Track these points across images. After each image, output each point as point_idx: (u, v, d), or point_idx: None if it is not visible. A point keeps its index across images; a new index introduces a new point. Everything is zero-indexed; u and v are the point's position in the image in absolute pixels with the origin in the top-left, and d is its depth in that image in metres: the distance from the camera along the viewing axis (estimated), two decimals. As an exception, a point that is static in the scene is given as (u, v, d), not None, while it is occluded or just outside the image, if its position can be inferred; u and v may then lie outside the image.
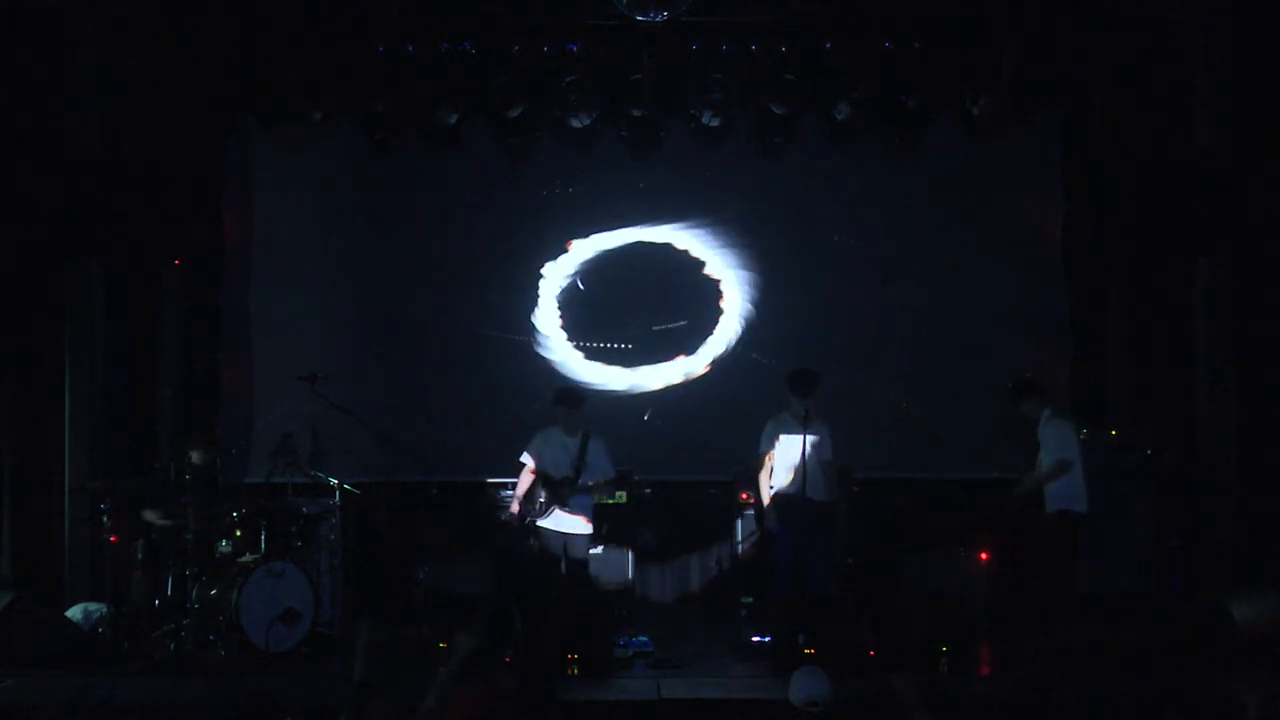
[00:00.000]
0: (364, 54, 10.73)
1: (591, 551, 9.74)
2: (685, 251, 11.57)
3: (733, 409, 11.13)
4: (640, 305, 11.55)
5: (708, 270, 11.57)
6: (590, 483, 9.44)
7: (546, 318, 11.54)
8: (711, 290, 11.57)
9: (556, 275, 11.54)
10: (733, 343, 11.57)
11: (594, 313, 11.56)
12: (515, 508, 9.52)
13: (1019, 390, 9.49)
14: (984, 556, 9.95)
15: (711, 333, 11.56)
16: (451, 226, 11.52)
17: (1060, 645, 8.83)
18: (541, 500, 9.37)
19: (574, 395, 9.83)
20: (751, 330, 11.54)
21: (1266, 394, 10.17)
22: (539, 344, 11.50)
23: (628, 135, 11.28)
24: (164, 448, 10.48)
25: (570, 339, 11.54)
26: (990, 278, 11.44)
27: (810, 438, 9.32)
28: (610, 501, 10.30)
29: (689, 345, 11.55)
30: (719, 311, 11.56)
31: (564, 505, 9.36)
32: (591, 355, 11.53)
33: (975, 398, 11.25)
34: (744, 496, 10.46)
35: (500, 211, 11.49)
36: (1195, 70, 10.46)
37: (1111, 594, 9.84)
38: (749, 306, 11.54)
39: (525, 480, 9.52)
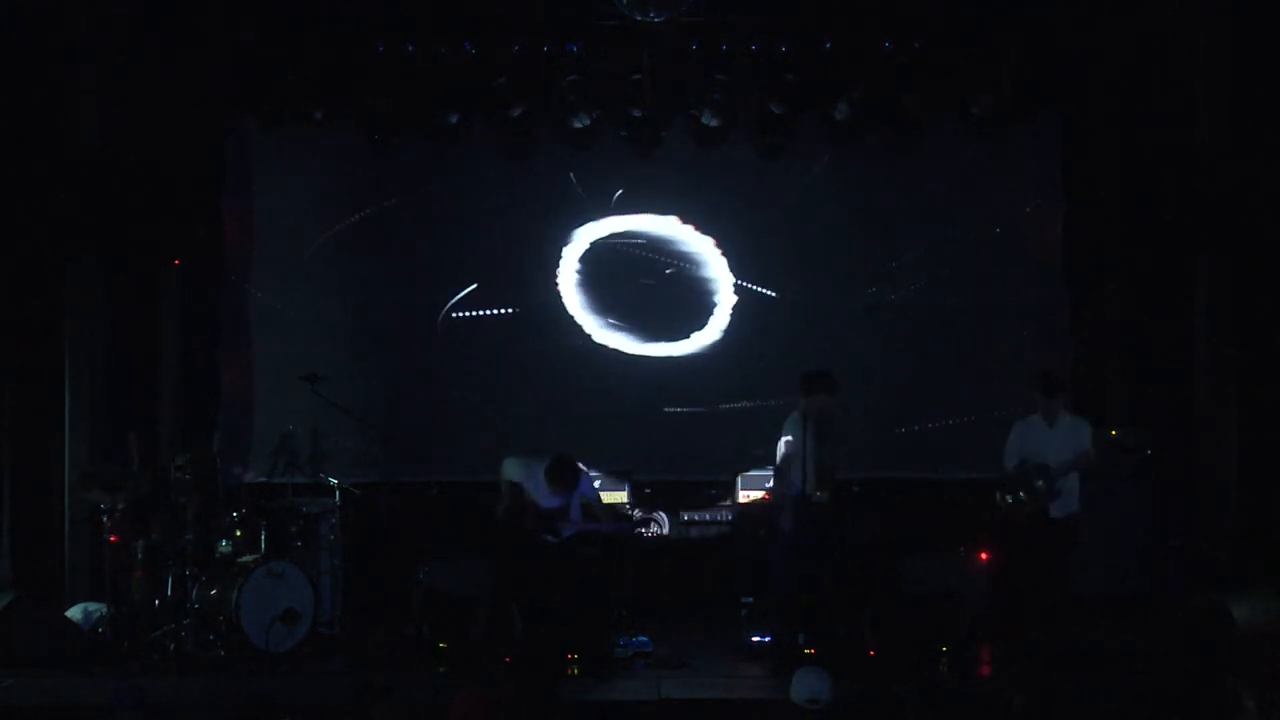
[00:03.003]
0: (364, 54, 10.73)
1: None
2: (685, 251, 11.58)
3: (731, 408, 11.14)
4: (640, 304, 11.57)
5: (707, 269, 11.58)
6: (582, 520, 9.32)
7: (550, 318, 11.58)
8: (711, 289, 11.59)
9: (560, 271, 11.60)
10: (732, 342, 11.57)
11: (594, 310, 11.58)
12: (510, 501, 9.35)
13: (1056, 385, 9.44)
14: (984, 556, 9.94)
15: (711, 331, 11.58)
16: (451, 226, 11.53)
17: (1060, 645, 8.83)
18: (532, 527, 9.28)
19: (568, 477, 9.20)
20: (751, 329, 11.54)
21: (1267, 394, 10.17)
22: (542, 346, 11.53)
23: (628, 135, 11.28)
24: (164, 448, 10.47)
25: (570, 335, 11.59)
26: (990, 278, 11.45)
27: (813, 437, 9.30)
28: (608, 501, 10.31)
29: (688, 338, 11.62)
30: (717, 310, 11.58)
31: (557, 536, 9.30)
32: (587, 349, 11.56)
33: (975, 398, 11.26)
34: (766, 496, 10.49)
35: (500, 211, 11.50)
36: (1195, 70, 10.47)
37: (1111, 594, 9.84)
38: (748, 306, 11.53)
39: (508, 497, 9.37)
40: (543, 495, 9.29)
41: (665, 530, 11.09)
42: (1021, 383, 11.08)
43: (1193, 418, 10.56)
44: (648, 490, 11.09)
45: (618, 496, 10.65)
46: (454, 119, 10.98)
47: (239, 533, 9.52)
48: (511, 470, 9.41)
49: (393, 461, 11.06)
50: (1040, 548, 9.26)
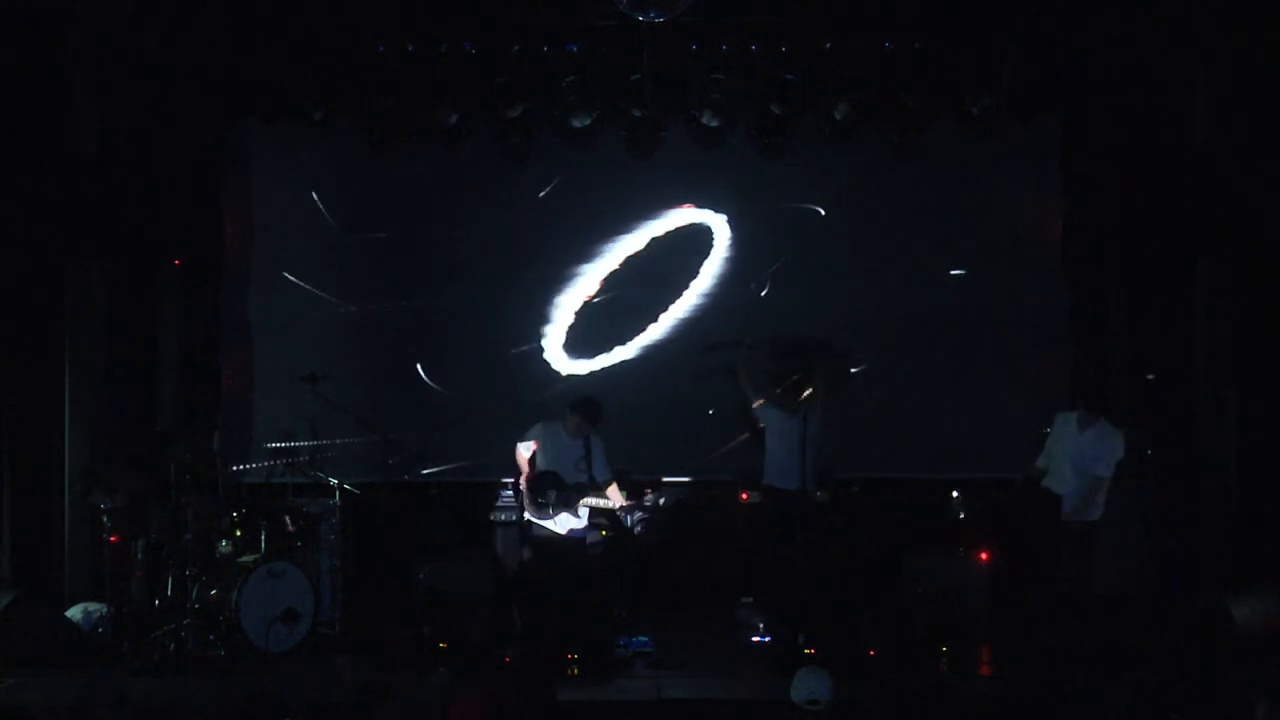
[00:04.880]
0: (364, 54, 10.73)
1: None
2: (683, 249, 11.58)
3: (730, 409, 11.14)
4: (642, 303, 11.58)
5: (706, 268, 11.58)
6: (604, 493, 9.39)
7: (550, 318, 11.59)
8: (710, 288, 11.59)
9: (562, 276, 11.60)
10: (732, 342, 11.56)
11: (595, 310, 11.58)
12: (526, 471, 9.36)
13: (1098, 405, 9.46)
14: (984, 556, 9.95)
15: (710, 329, 11.58)
16: (451, 226, 11.53)
17: (1060, 645, 8.84)
18: (551, 502, 9.28)
19: (593, 409, 9.50)
20: (751, 330, 11.52)
21: (1267, 394, 10.17)
22: (542, 347, 11.54)
23: (628, 135, 11.27)
24: (164, 448, 10.47)
25: (570, 335, 11.59)
26: (990, 278, 11.45)
27: (811, 432, 9.32)
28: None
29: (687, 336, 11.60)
30: (718, 311, 11.57)
31: (575, 511, 9.30)
32: (586, 350, 11.57)
33: (976, 397, 11.26)
34: (744, 497, 10.49)
35: (500, 212, 11.50)
36: (1195, 70, 10.48)
37: (1111, 594, 9.85)
38: (748, 305, 11.53)
39: (525, 466, 9.38)
40: (562, 447, 9.32)
41: (665, 500, 11.04)
42: (1021, 381, 11.19)
43: (1193, 418, 10.56)
44: (648, 490, 11.07)
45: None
46: (454, 119, 10.97)
47: (239, 533, 9.54)
48: (528, 438, 9.45)
49: (393, 461, 11.06)
50: (1049, 551, 9.29)
